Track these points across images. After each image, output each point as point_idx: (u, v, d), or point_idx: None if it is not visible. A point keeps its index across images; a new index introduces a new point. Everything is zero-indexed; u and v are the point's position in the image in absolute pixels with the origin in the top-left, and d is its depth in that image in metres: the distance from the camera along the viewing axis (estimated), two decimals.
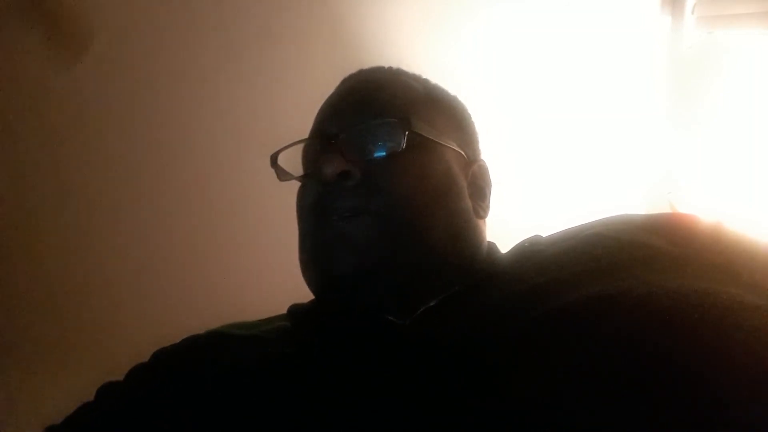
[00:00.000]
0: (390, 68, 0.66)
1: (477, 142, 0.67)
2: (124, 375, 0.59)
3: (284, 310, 0.63)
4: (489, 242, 0.63)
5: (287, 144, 0.60)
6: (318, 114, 0.63)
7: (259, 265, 1.13)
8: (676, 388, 0.37)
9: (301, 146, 0.61)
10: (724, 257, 0.49)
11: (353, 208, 0.53)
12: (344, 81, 0.66)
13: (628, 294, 0.44)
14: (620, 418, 0.37)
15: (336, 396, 0.47)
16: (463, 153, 0.61)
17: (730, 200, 0.97)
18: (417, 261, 0.53)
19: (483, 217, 0.62)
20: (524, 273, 0.53)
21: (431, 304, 0.54)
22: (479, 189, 0.62)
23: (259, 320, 0.64)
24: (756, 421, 0.35)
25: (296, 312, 0.62)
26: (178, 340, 0.61)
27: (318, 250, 0.55)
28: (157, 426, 0.51)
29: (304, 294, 0.60)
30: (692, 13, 1.05)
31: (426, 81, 0.66)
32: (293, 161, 0.61)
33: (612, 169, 1.16)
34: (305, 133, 0.62)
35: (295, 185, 0.61)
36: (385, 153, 0.55)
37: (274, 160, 0.60)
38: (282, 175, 0.60)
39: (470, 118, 0.67)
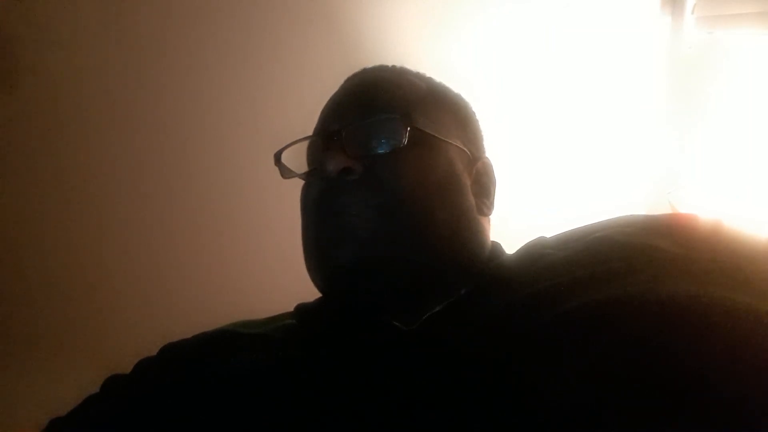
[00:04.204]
0: (393, 66, 0.66)
1: (481, 139, 0.67)
2: (131, 368, 0.59)
3: (290, 308, 0.63)
4: (493, 242, 0.63)
5: (290, 142, 0.61)
6: (322, 112, 0.63)
7: (264, 262, 1.13)
8: (686, 393, 0.38)
9: (304, 144, 0.62)
10: (728, 259, 0.49)
11: (356, 202, 0.53)
12: (348, 79, 0.66)
13: (638, 299, 0.44)
14: (630, 422, 0.37)
15: (341, 401, 0.47)
16: (466, 150, 0.61)
17: (730, 200, 0.97)
18: (419, 255, 0.53)
19: (487, 215, 0.62)
20: (532, 277, 0.53)
21: (437, 309, 0.54)
22: (483, 186, 0.62)
23: (266, 318, 0.64)
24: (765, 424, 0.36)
25: (303, 311, 0.62)
26: (181, 337, 0.61)
27: (322, 245, 0.56)
28: (162, 422, 0.51)
29: (310, 291, 0.60)
30: (692, 13, 1.05)
31: (429, 79, 0.66)
32: (297, 159, 0.61)
33: (612, 169, 1.17)
34: (308, 131, 0.62)
35: (301, 183, 0.61)
36: (387, 149, 0.55)
37: (277, 158, 0.60)
38: (285, 172, 0.61)
39: (474, 115, 0.67)
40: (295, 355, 0.54)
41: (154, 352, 0.61)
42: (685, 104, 1.08)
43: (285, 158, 0.61)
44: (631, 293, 0.45)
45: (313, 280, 0.58)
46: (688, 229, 0.56)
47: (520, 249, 0.62)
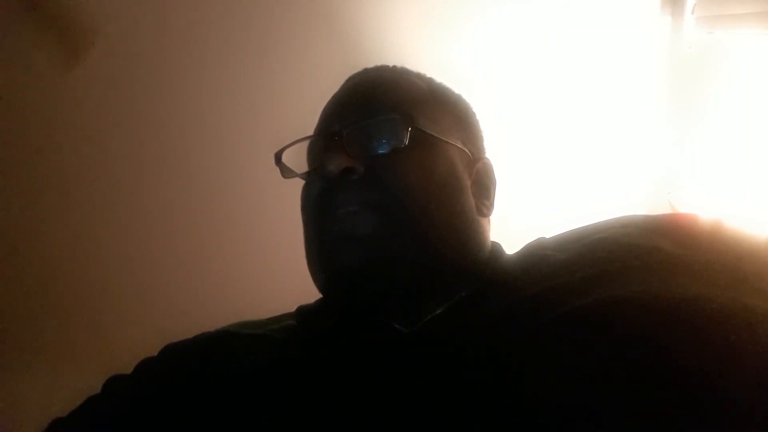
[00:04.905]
0: (394, 67, 0.66)
1: (482, 140, 0.67)
2: (132, 369, 0.59)
3: (291, 309, 0.63)
4: (493, 242, 0.63)
5: (291, 142, 0.61)
6: (322, 112, 0.63)
7: (264, 262, 1.13)
8: (686, 393, 0.38)
9: (305, 144, 0.62)
10: (728, 259, 0.50)
11: (357, 202, 0.53)
12: (349, 79, 0.66)
13: (638, 299, 0.44)
14: (630, 422, 0.38)
15: (341, 401, 0.47)
16: (467, 151, 0.61)
17: (730, 200, 0.97)
18: (420, 256, 0.53)
19: (487, 215, 0.62)
20: (532, 279, 0.53)
21: (437, 312, 0.54)
22: (483, 187, 0.62)
23: (267, 319, 0.64)
24: (764, 424, 0.36)
25: (303, 312, 0.62)
26: (182, 337, 0.61)
27: (323, 244, 0.56)
28: (163, 422, 0.52)
29: (311, 292, 0.60)
30: (692, 13, 1.05)
31: (430, 80, 0.66)
32: (298, 159, 0.61)
33: (612, 169, 1.17)
34: (308, 131, 0.62)
35: (301, 183, 0.62)
36: (388, 149, 0.55)
37: (278, 157, 0.60)
38: (286, 172, 0.61)
39: (475, 116, 0.67)
40: (296, 355, 0.54)
41: (155, 352, 0.61)
42: (685, 104, 1.08)
43: (285, 158, 0.61)
44: (631, 294, 0.45)
45: (315, 280, 0.59)
46: (688, 229, 0.56)
47: (520, 250, 0.62)
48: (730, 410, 0.37)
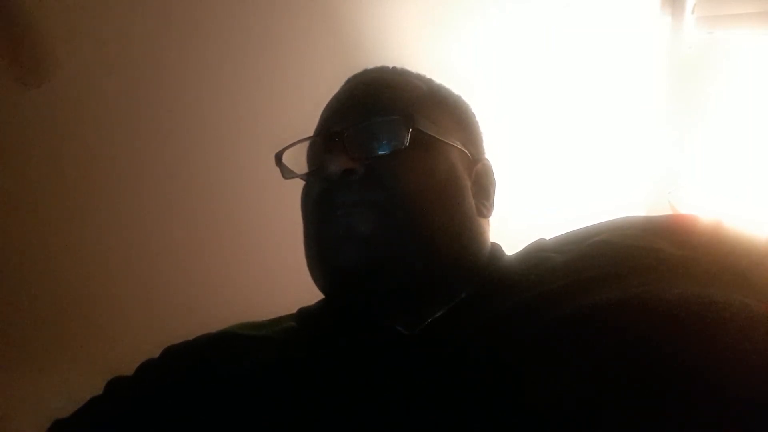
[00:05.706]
0: (394, 68, 0.66)
1: (481, 141, 0.67)
2: (134, 370, 0.60)
3: (291, 310, 0.64)
4: (493, 243, 0.63)
5: (292, 142, 0.61)
6: (323, 113, 0.64)
7: (265, 263, 1.14)
8: (685, 393, 0.38)
9: (305, 145, 0.62)
10: (728, 259, 0.50)
11: (357, 202, 0.54)
12: (349, 80, 0.66)
13: (637, 300, 0.45)
14: (630, 422, 0.38)
15: (341, 401, 0.48)
16: (467, 152, 0.61)
17: (730, 200, 0.97)
18: (419, 257, 0.54)
19: (486, 216, 0.63)
20: (533, 281, 0.53)
21: (438, 314, 0.55)
22: (483, 188, 0.63)
23: (268, 320, 0.64)
24: (763, 424, 0.36)
25: (304, 314, 0.62)
26: (183, 339, 0.62)
27: (323, 244, 0.56)
28: (165, 423, 0.52)
29: (312, 293, 0.60)
30: (692, 13, 1.05)
31: (430, 80, 0.66)
32: (298, 160, 0.61)
33: (612, 169, 1.17)
34: (308, 131, 0.62)
35: (302, 184, 0.62)
36: (389, 150, 0.56)
37: (278, 158, 0.61)
38: (286, 173, 0.61)
39: (474, 117, 0.67)
40: (296, 355, 0.54)
41: (156, 354, 0.61)
42: (685, 104, 1.08)
43: (286, 158, 0.61)
44: (631, 295, 0.46)
45: (315, 280, 0.59)
46: (688, 230, 0.56)
47: (519, 252, 0.62)
48: (729, 410, 0.37)
